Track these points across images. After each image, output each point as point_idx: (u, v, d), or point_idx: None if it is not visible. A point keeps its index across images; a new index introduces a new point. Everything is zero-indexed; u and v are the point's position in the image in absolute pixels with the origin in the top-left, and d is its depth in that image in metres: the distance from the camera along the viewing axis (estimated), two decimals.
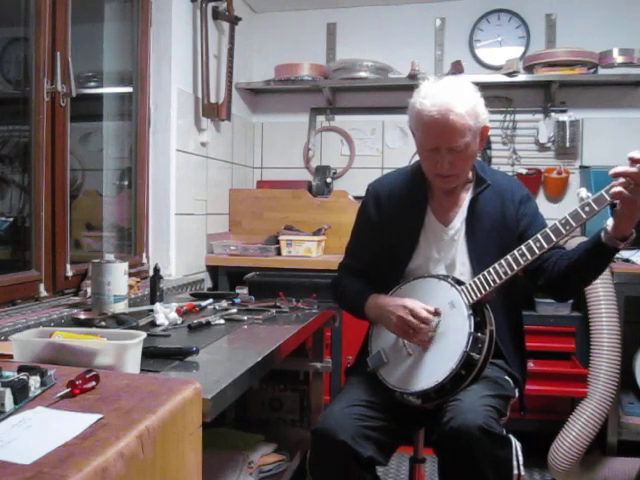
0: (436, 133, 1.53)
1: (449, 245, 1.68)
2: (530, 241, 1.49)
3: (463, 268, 1.66)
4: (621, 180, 1.35)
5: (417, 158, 1.71)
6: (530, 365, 2.50)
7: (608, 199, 1.40)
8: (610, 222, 1.44)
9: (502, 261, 1.51)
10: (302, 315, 1.93)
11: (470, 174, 1.70)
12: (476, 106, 1.55)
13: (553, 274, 1.58)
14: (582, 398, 2.40)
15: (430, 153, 1.58)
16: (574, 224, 1.43)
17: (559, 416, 2.51)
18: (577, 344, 2.62)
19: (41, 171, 1.89)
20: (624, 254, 2.60)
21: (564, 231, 1.45)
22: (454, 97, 1.52)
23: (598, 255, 1.50)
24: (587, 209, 1.42)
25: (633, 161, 1.34)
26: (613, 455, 2.48)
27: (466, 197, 1.70)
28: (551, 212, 2.98)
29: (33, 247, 1.88)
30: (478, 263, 1.63)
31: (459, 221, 1.69)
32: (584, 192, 1.44)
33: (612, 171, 1.37)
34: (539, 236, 1.48)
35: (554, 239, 1.46)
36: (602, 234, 1.45)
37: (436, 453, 1.49)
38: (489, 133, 1.65)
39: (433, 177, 1.64)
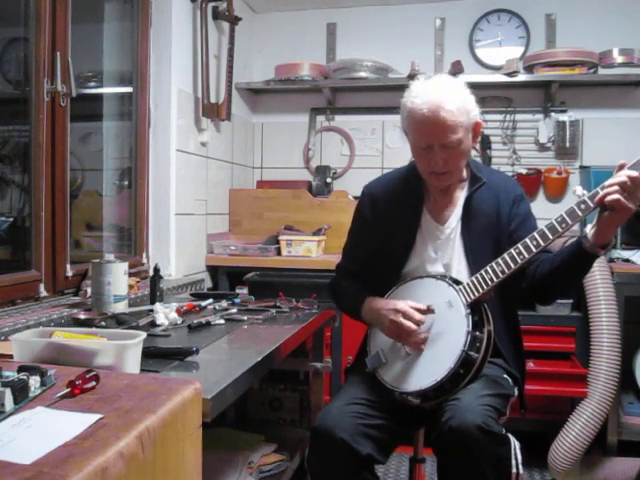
0: (428, 131, 1.54)
1: (445, 244, 1.68)
2: (527, 239, 1.49)
3: (460, 267, 1.66)
4: (615, 188, 1.36)
5: None
6: (530, 365, 2.50)
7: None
8: (589, 229, 1.45)
9: (499, 260, 1.51)
10: (302, 315, 1.93)
11: (465, 173, 1.71)
12: (466, 102, 1.56)
13: (535, 279, 1.59)
14: (582, 398, 2.40)
15: (423, 151, 1.58)
16: (570, 222, 1.44)
17: (559, 416, 2.51)
18: (577, 344, 2.62)
19: (41, 171, 1.89)
20: (624, 254, 2.61)
21: (560, 229, 1.45)
22: (443, 94, 1.53)
23: (578, 262, 1.51)
24: (583, 207, 1.42)
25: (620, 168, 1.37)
26: (613, 455, 2.48)
27: (461, 196, 1.70)
28: (551, 212, 2.94)
29: (33, 247, 1.88)
30: (474, 261, 1.63)
31: (455, 220, 1.69)
32: (580, 190, 1.45)
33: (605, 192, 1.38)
34: (536, 234, 1.48)
35: (550, 237, 1.46)
36: (583, 241, 1.46)
37: (435, 452, 1.49)
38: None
39: (428, 175, 1.64)
